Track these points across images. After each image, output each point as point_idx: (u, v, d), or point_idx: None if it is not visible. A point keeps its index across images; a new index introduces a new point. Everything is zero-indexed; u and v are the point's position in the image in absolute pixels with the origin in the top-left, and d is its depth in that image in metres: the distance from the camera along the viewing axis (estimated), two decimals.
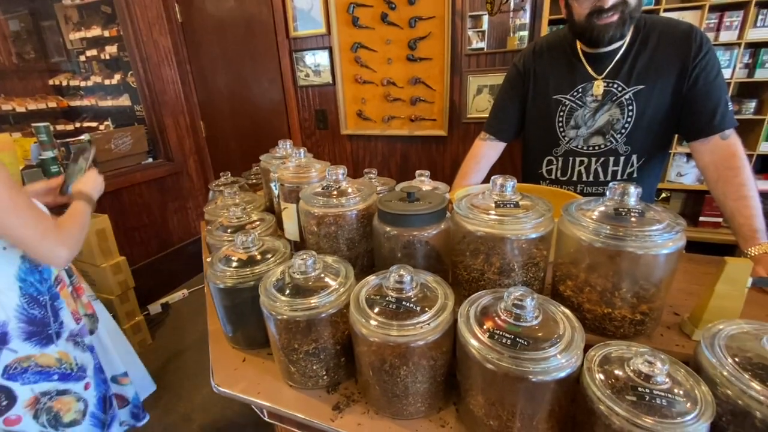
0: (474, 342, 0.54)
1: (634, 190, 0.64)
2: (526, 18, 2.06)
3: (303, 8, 2.47)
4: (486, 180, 1.33)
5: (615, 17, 0.98)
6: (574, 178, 1.21)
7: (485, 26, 2.13)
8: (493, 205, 0.70)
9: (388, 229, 0.76)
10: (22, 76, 3.67)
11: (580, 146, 1.18)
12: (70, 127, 3.54)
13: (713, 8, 1.85)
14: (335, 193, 0.86)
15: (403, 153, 2.60)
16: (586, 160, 1.18)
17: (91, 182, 1.22)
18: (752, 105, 1.94)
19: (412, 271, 0.64)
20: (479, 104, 2.25)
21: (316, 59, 2.57)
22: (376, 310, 0.61)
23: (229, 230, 0.98)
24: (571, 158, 1.20)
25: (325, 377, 0.72)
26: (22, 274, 1.03)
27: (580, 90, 1.14)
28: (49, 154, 2.03)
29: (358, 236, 0.85)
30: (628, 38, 1.07)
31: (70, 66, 3.73)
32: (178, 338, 2.46)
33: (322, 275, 0.71)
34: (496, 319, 0.56)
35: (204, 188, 3.29)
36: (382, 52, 2.36)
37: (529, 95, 1.24)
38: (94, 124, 3.49)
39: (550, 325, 0.55)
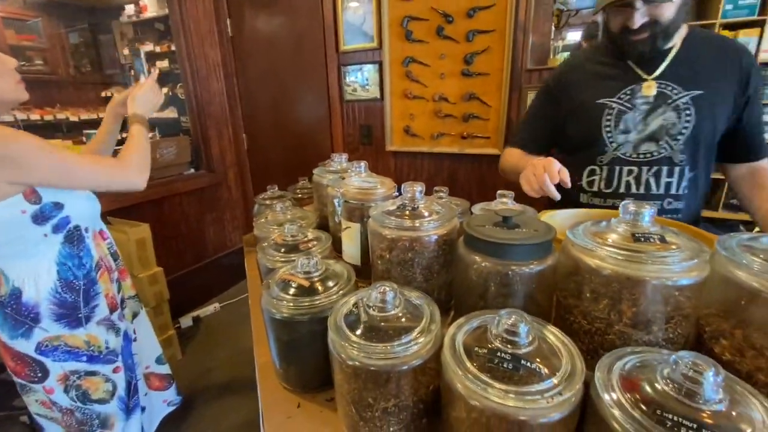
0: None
1: None
2: (576, 37, 1.94)
3: (354, 22, 2.43)
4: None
5: (645, 35, 0.95)
6: (621, 190, 1.09)
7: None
8: (630, 236, 0.55)
9: (478, 259, 0.63)
10: (78, 87, 3.84)
11: (629, 153, 1.07)
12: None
13: (725, 27, 1.72)
14: (409, 213, 0.73)
15: (451, 172, 2.47)
16: (635, 169, 1.07)
17: (141, 102, 1.25)
18: None
19: (527, 318, 0.50)
20: None
21: (365, 74, 2.51)
22: (477, 364, 0.48)
23: (282, 249, 0.87)
24: (617, 167, 1.09)
25: None
26: (61, 258, 1.08)
27: (628, 92, 1.05)
28: None
29: (437, 265, 0.72)
30: (680, 40, 1.00)
31: (122, 79, 3.87)
32: (208, 355, 2.38)
33: (400, 314, 0.59)
34: (657, 394, 0.41)
35: (242, 200, 3.26)
36: (435, 66, 2.27)
37: (564, 108, 1.16)
38: None
39: (739, 413, 0.39)
